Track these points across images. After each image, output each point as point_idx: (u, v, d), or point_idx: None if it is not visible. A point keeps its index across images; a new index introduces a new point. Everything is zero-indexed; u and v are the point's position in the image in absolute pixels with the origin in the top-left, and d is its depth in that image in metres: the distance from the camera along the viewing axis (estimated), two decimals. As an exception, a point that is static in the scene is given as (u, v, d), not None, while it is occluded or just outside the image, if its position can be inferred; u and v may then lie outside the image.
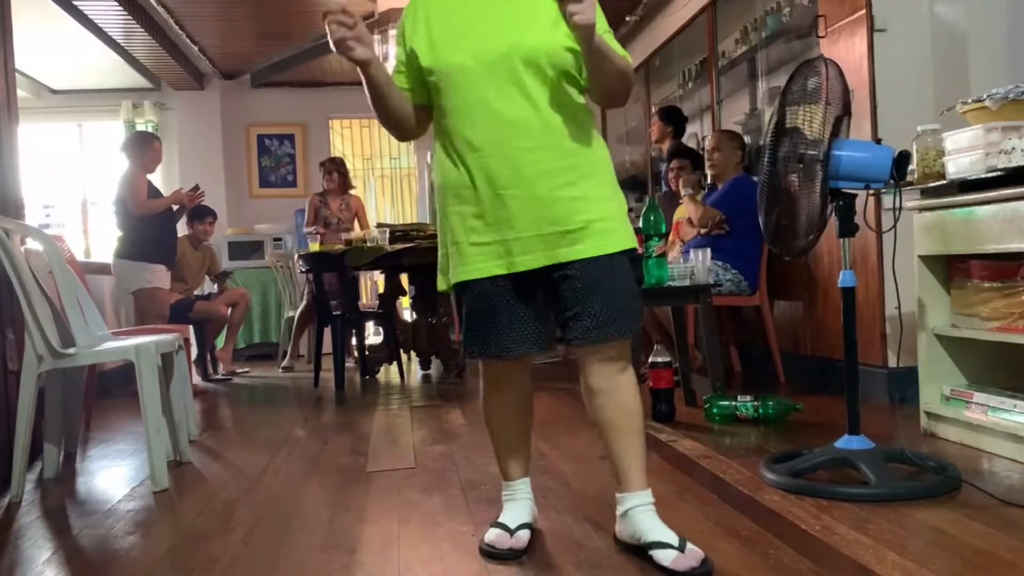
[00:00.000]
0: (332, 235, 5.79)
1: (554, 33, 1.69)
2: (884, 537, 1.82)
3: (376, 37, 5.01)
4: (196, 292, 5.88)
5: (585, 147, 1.77)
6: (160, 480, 2.62)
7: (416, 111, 1.85)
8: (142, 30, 5.80)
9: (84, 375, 3.37)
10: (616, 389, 1.76)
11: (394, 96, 1.80)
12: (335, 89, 7.85)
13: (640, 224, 3.27)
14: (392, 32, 4.93)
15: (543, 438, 3.04)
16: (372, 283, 7.62)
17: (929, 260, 2.80)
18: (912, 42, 3.43)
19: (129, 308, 5.06)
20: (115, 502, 2.52)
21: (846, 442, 2.31)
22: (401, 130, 1.88)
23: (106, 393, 4.52)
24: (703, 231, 4.16)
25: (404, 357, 5.42)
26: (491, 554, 1.83)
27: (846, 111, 2.29)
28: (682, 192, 4.28)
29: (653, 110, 5.83)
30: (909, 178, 2.59)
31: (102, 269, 5.10)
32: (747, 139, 4.64)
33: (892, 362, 3.34)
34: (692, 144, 5.39)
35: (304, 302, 6.10)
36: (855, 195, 2.33)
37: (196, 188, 5.21)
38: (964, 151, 2.48)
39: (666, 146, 5.06)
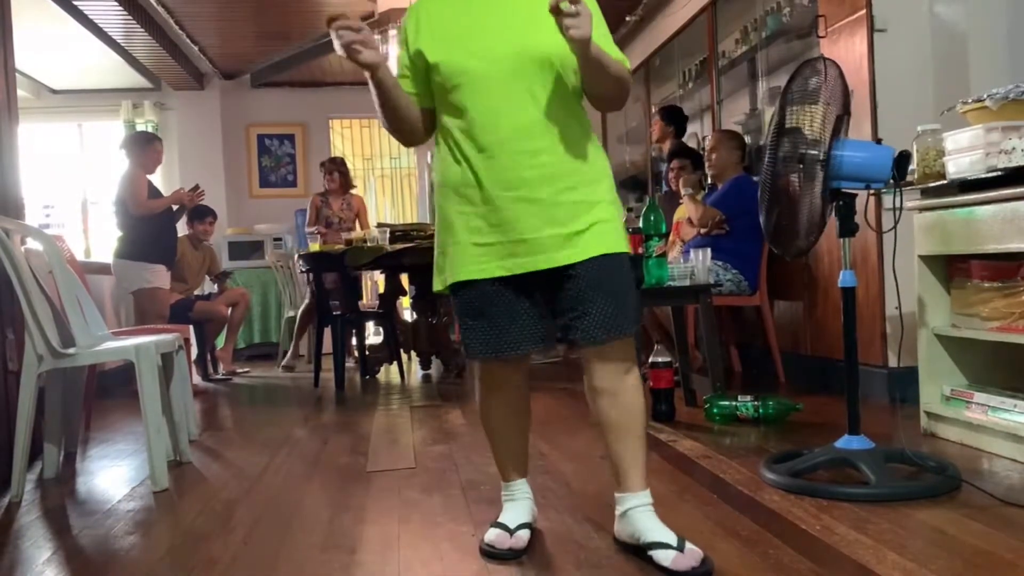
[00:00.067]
0: (334, 235, 5.79)
1: (561, 36, 1.69)
2: (884, 537, 1.82)
3: (376, 37, 5.00)
4: (196, 292, 5.88)
5: (587, 153, 1.79)
6: (160, 480, 2.62)
7: (423, 115, 1.85)
8: (142, 30, 5.81)
9: (84, 375, 3.37)
10: (621, 390, 1.77)
11: (402, 100, 1.80)
12: (335, 89, 7.85)
13: (640, 224, 3.28)
14: (392, 32, 4.93)
15: (543, 438, 3.04)
16: (372, 283, 7.63)
17: (929, 260, 2.80)
18: (912, 42, 3.43)
19: (129, 308, 5.06)
20: (115, 502, 2.52)
21: (846, 442, 2.31)
22: (408, 135, 1.87)
23: (106, 393, 4.52)
24: (703, 231, 4.16)
25: (404, 357, 5.42)
26: (491, 554, 1.83)
27: (846, 111, 2.29)
28: (682, 192, 4.28)
29: (653, 110, 5.83)
30: (909, 178, 2.59)
31: (102, 269, 5.10)
32: (747, 139, 4.64)
33: (892, 362, 3.34)
34: (692, 144, 5.39)
35: (306, 301, 6.11)
36: (855, 195, 2.33)
37: (196, 188, 5.21)
38: (964, 151, 2.48)
39: (667, 146, 5.06)
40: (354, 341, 5.61)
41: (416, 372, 5.50)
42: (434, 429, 3.44)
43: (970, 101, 2.53)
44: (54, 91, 7.36)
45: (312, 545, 1.99)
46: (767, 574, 1.65)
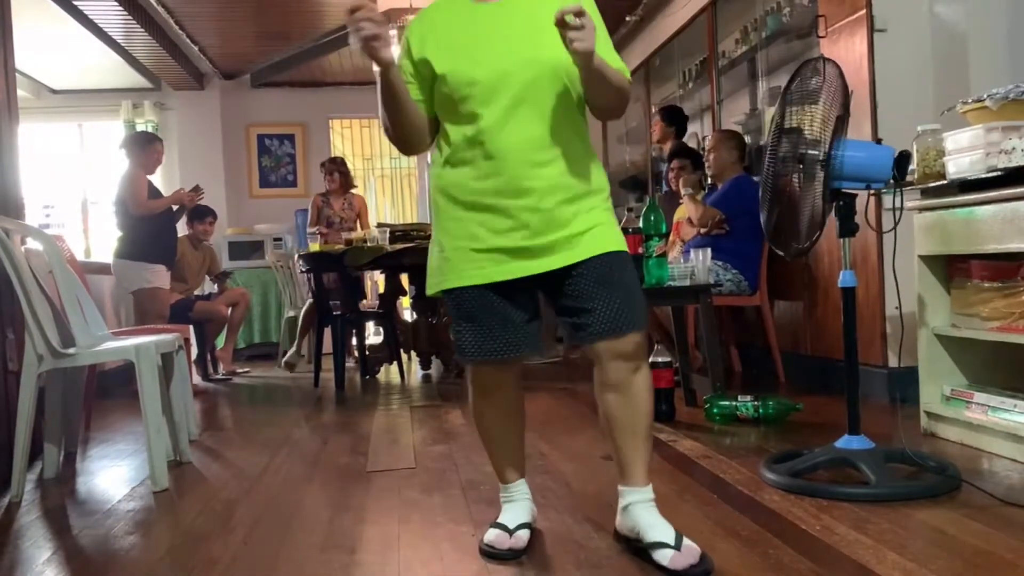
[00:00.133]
0: (335, 235, 5.79)
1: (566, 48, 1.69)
2: (884, 537, 1.82)
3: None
4: (196, 292, 5.88)
5: (588, 165, 1.82)
6: (160, 480, 2.62)
7: (428, 123, 1.84)
8: (142, 30, 5.81)
9: (84, 375, 3.38)
10: (631, 389, 1.77)
11: (410, 103, 1.79)
12: (335, 89, 7.86)
13: (640, 224, 3.28)
14: (392, 32, 4.93)
15: (543, 438, 3.04)
16: (373, 283, 7.63)
17: (929, 260, 2.80)
18: (912, 42, 3.43)
19: (129, 308, 5.06)
20: (115, 502, 2.52)
21: (846, 442, 2.31)
22: (413, 142, 1.85)
23: (106, 393, 4.52)
24: (703, 231, 4.16)
25: (404, 357, 5.42)
26: (491, 554, 1.83)
27: (845, 111, 2.29)
28: (682, 192, 4.28)
29: (653, 110, 5.83)
30: (909, 178, 2.59)
31: (102, 269, 5.10)
32: (747, 139, 4.64)
33: (892, 362, 3.34)
34: (692, 144, 5.39)
35: (309, 301, 6.10)
36: (855, 195, 2.33)
37: (196, 188, 5.21)
38: (964, 151, 2.48)
39: (668, 146, 5.06)
40: (354, 341, 5.61)
41: (416, 372, 5.50)
42: (434, 429, 3.44)
43: (970, 101, 2.53)
44: (54, 91, 7.37)
45: (312, 545, 1.99)
46: (767, 574, 1.65)
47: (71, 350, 2.72)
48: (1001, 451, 2.49)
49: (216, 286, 6.07)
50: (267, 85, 7.70)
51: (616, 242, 1.79)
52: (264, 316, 7.15)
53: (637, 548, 1.77)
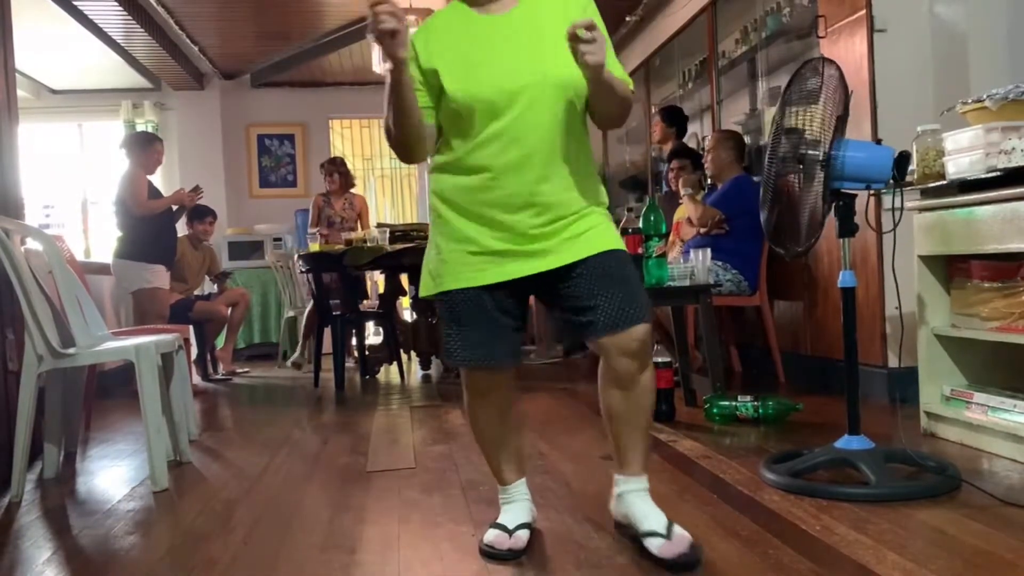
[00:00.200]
0: (336, 235, 5.79)
1: (574, 62, 1.67)
2: (884, 537, 1.82)
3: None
4: (196, 292, 5.88)
5: (590, 179, 1.84)
6: (160, 480, 2.62)
7: (431, 130, 1.82)
8: (142, 30, 5.81)
9: (84, 375, 3.38)
10: (636, 387, 1.78)
11: (417, 108, 1.76)
12: (335, 89, 7.86)
13: (640, 224, 3.28)
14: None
15: (543, 438, 3.04)
16: (373, 282, 7.63)
17: (929, 260, 2.80)
18: (912, 42, 3.43)
19: (129, 308, 5.06)
20: (115, 502, 2.52)
21: (846, 442, 2.31)
22: (414, 148, 1.81)
23: (106, 393, 4.52)
24: (703, 231, 4.16)
25: (404, 357, 5.42)
26: (491, 554, 1.83)
27: (845, 111, 2.29)
28: (682, 192, 4.28)
29: (653, 110, 5.83)
30: (909, 178, 2.59)
31: (102, 269, 5.10)
32: (747, 139, 4.64)
33: (892, 362, 3.34)
34: (692, 144, 5.39)
35: (312, 301, 6.10)
36: (855, 195, 2.33)
37: (196, 188, 5.21)
38: (964, 151, 2.48)
39: (668, 147, 5.06)
40: (354, 341, 5.61)
41: (416, 372, 5.50)
42: (434, 429, 3.44)
43: (970, 101, 2.53)
44: (54, 91, 7.37)
45: (312, 545, 1.99)
46: (767, 574, 1.65)
47: (71, 350, 2.72)
48: (1001, 451, 2.49)
49: (216, 286, 6.07)
50: (267, 85, 7.70)
51: (614, 241, 1.81)
52: (264, 316, 7.15)
53: (635, 545, 1.77)
